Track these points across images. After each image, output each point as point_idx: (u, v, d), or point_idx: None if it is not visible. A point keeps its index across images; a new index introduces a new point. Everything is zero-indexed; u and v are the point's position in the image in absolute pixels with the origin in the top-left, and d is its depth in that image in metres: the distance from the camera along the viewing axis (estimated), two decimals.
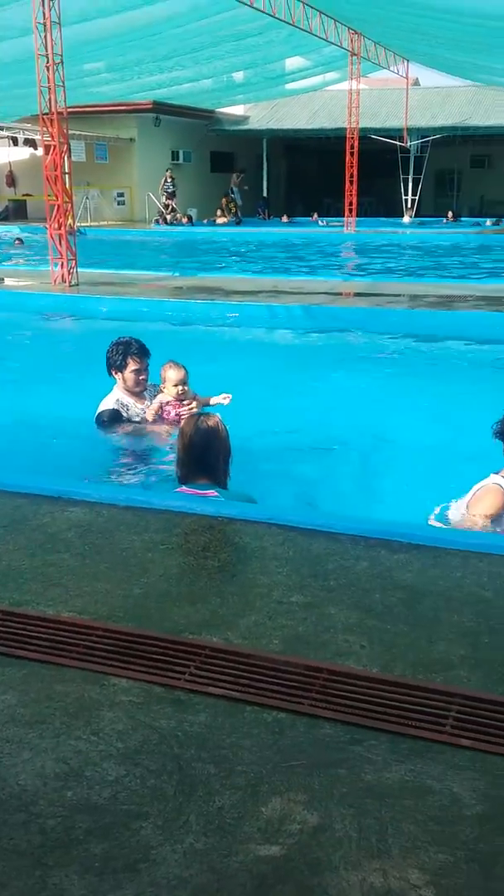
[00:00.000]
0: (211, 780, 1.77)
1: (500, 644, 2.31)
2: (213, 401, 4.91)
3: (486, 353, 7.84)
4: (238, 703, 2.05)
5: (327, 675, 2.17)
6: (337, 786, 1.76)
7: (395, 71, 23.34)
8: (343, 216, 22.48)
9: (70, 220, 11.40)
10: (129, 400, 4.93)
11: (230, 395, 4.89)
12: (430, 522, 3.48)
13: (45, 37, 10.62)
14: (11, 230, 20.65)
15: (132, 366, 4.80)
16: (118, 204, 27.10)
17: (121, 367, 4.82)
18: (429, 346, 8.08)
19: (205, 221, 26.13)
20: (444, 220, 25.16)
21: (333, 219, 24.59)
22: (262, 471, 4.46)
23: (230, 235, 22.35)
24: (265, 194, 29.06)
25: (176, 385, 4.75)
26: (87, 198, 24.51)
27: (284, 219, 26.33)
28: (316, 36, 17.52)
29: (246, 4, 14.62)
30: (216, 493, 3.34)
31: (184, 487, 3.42)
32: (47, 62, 10.72)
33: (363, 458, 4.94)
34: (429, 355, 7.87)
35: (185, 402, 4.78)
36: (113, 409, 4.86)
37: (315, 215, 26.87)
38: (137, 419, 4.90)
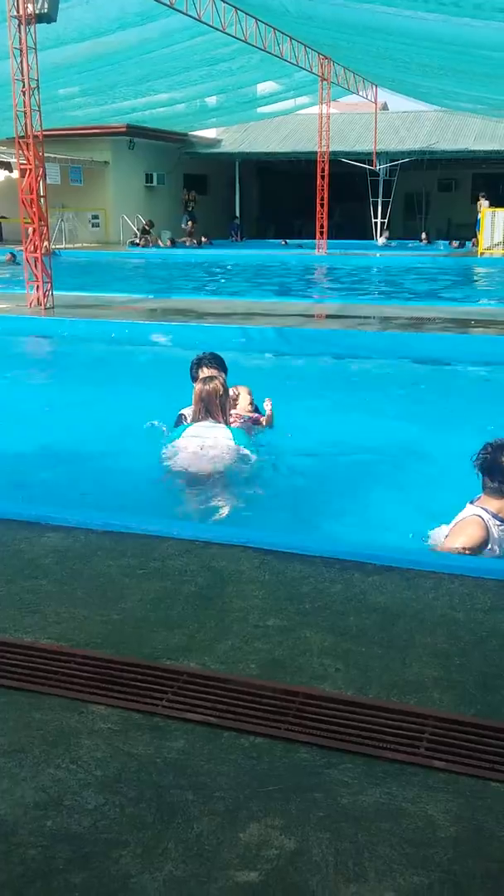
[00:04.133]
0: (189, 806, 1.79)
1: (472, 665, 2.36)
2: (266, 406, 5.27)
3: (461, 374, 7.98)
4: (215, 729, 2.08)
5: (303, 698, 2.20)
6: (313, 810, 1.79)
7: (364, 96, 23.70)
8: (314, 238, 22.73)
9: (46, 243, 11.42)
10: None
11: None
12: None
13: (22, 62, 10.68)
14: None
15: (199, 376, 5.08)
16: (93, 226, 27.14)
17: (193, 378, 5.13)
18: (405, 368, 8.20)
19: (172, 243, 26.18)
20: (421, 242, 25.60)
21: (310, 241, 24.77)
22: (241, 495, 4.50)
23: (204, 257, 22.48)
24: (237, 216, 29.30)
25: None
26: (62, 220, 24.53)
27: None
28: (287, 61, 17.79)
29: (218, 30, 14.82)
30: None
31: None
32: (23, 87, 10.76)
33: (344, 478, 4.99)
34: (407, 376, 7.98)
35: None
36: (180, 414, 5.14)
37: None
38: None
